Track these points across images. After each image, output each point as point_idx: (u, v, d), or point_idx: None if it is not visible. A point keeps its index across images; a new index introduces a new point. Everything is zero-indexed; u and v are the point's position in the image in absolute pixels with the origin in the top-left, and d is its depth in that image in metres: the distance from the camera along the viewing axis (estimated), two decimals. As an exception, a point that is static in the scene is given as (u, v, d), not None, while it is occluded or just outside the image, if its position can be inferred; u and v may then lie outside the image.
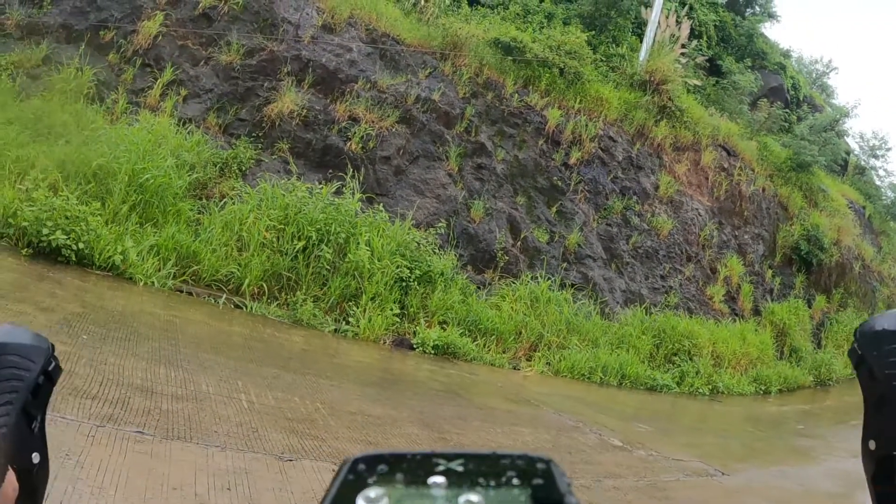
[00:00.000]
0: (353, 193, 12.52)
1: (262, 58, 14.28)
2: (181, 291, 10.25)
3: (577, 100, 17.29)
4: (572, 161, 16.55)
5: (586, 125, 17.00)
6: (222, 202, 11.86)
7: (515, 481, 0.54)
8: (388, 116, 14.45)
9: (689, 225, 18.21)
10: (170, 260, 10.33)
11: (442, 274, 12.59)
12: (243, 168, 12.83)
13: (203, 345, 8.01)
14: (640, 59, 19.88)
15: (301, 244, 11.38)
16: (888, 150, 32.99)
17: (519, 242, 14.88)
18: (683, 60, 20.52)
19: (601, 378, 13.18)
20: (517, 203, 15.42)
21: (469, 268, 13.94)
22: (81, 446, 4.37)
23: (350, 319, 11.23)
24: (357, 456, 0.57)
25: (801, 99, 29.99)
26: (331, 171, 13.35)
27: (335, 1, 15.50)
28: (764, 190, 21.07)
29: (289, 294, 11.20)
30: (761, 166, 21.49)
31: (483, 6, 20.98)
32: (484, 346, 12.39)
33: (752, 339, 16.97)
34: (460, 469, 0.56)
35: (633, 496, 6.81)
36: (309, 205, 11.79)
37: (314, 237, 11.47)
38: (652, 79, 18.87)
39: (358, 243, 11.70)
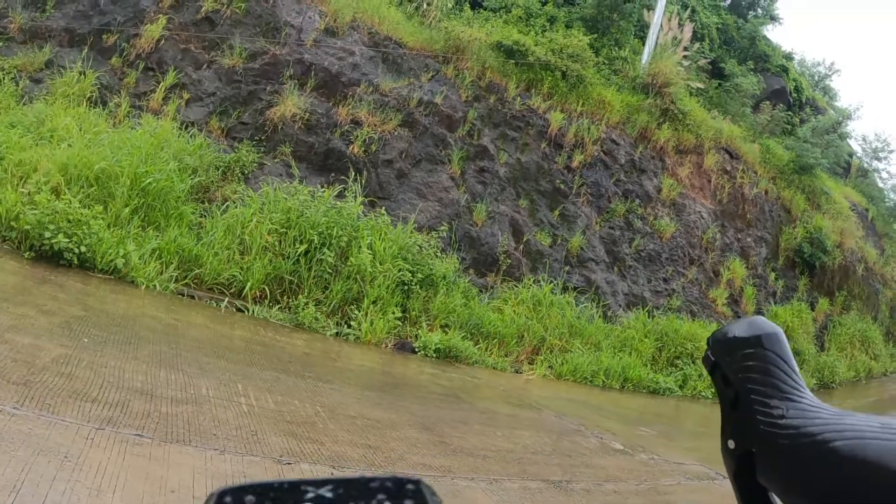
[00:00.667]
0: (356, 197, 12.53)
1: (265, 61, 14.31)
2: (183, 295, 10.26)
3: (580, 103, 17.32)
4: (575, 164, 16.56)
5: (589, 128, 17.02)
6: (225, 206, 11.88)
7: None
8: (391, 120, 14.47)
9: (692, 228, 18.21)
10: (172, 263, 10.34)
11: (444, 277, 12.59)
12: (246, 172, 12.86)
13: (204, 348, 8.02)
14: (643, 61, 19.91)
15: (303, 248, 11.38)
16: (891, 152, 33.03)
17: (521, 246, 14.89)
18: (686, 63, 20.54)
19: (603, 381, 13.17)
20: (520, 206, 15.44)
21: (471, 271, 13.95)
22: (80, 449, 4.38)
23: (352, 323, 11.23)
24: (222, 489, 0.55)
25: (804, 101, 29.99)
26: (333, 174, 13.38)
27: (338, 4, 15.55)
28: (766, 192, 21.06)
29: (291, 298, 11.21)
30: (764, 169, 21.48)
31: (485, 9, 21.04)
32: (486, 349, 12.38)
33: (756, 343, 16.91)
34: (330, 495, 0.55)
35: (633, 500, 6.80)
36: (311, 208, 11.80)
37: (316, 241, 11.47)
38: (654, 82, 18.90)
39: (360, 247, 11.71)
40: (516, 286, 14.07)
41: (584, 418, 10.15)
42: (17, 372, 5.30)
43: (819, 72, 37.38)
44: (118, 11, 14.27)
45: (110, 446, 4.57)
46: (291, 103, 13.68)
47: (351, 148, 13.81)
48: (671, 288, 16.87)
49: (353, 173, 13.25)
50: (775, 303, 19.47)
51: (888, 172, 43.24)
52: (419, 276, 12.23)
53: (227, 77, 14.05)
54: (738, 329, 0.97)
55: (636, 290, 16.21)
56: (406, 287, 12.05)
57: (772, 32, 41.44)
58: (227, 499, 0.54)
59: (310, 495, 0.55)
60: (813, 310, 20.47)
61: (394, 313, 11.56)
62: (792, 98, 28.60)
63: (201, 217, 11.66)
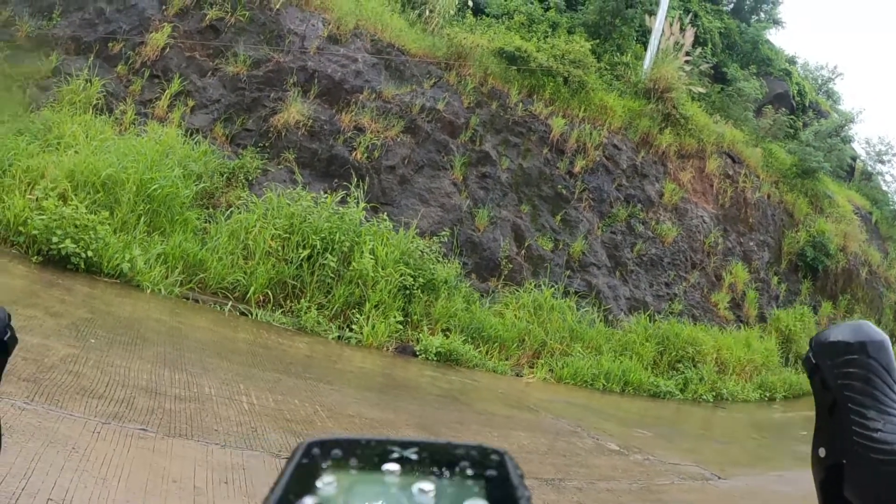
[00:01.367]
0: (358, 202, 12.66)
1: (269, 69, 14.50)
2: (187, 299, 10.43)
3: (582, 108, 17.45)
4: (577, 169, 16.70)
5: (591, 133, 17.15)
6: (229, 211, 12.04)
7: (469, 471, 0.55)
8: (394, 126, 14.63)
9: (694, 232, 18.32)
10: (177, 268, 10.51)
11: (446, 282, 12.71)
12: (250, 178, 13.02)
13: (207, 350, 8.19)
14: (645, 67, 20.02)
15: (306, 253, 11.53)
16: (894, 155, 32.97)
17: (523, 250, 15.02)
18: (688, 68, 20.65)
19: (604, 385, 13.25)
20: (522, 211, 15.57)
21: (473, 276, 14.08)
22: (87, 441, 4.56)
23: (354, 327, 11.36)
24: (312, 440, 0.58)
25: (807, 105, 30.05)
26: (336, 180, 13.53)
27: (341, 12, 15.72)
28: (769, 196, 21.15)
29: (293, 302, 11.36)
30: (766, 173, 21.56)
31: (488, 16, 21.20)
32: (487, 353, 12.48)
33: (757, 346, 17.03)
34: (415, 457, 0.56)
35: (626, 498, 6.93)
36: (314, 214, 11.95)
37: (319, 246, 11.62)
38: (656, 87, 19.01)
39: (362, 252, 11.83)
40: (518, 291, 14.18)
41: (581, 420, 10.27)
42: (27, 370, 5.48)
43: (822, 75, 37.38)
44: (123, 20, 14.46)
45: (116, 439, 4.76)
46: (295, 110, 13.85)
47: (354, 154, 13.97)
48: (673, 292, 16.98)
49: (356, 179, 13.41)
50: (778, 307, 19.54)
51: (892, 175, 43.12)
52: (421, 280, 12.36)
53: (231, 84, 14.23)
54: (843, 333, 0.95)
55: (638, 294, 16.32)
56: (408, 291, 12.18)
57: (774, 36, 41.50)
58: (315, 450, 0.57)
59: (395, 455, 0.56)
60: (816, 314, 20.52)
61: (395, 317, 11.68)
62: (795, 102, 28.64)
63: (206, 223, 11.82)
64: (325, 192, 12.81)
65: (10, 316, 0.98)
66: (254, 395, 6.78)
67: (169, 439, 5.08)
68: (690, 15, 24.07)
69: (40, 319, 6.99)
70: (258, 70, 14.48)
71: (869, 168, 32.72)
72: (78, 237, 9.47)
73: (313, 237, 11.63)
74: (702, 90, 21.45)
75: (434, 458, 0.56)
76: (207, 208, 12.23)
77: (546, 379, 12.74)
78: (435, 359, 11.50)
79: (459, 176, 15.01)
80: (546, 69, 17.12)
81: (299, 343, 10.14)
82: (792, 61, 31.59)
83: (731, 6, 30.79)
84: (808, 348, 0.99)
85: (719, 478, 8.66)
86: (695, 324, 16.34)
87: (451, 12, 18.88)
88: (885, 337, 0.94)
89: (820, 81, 36.77)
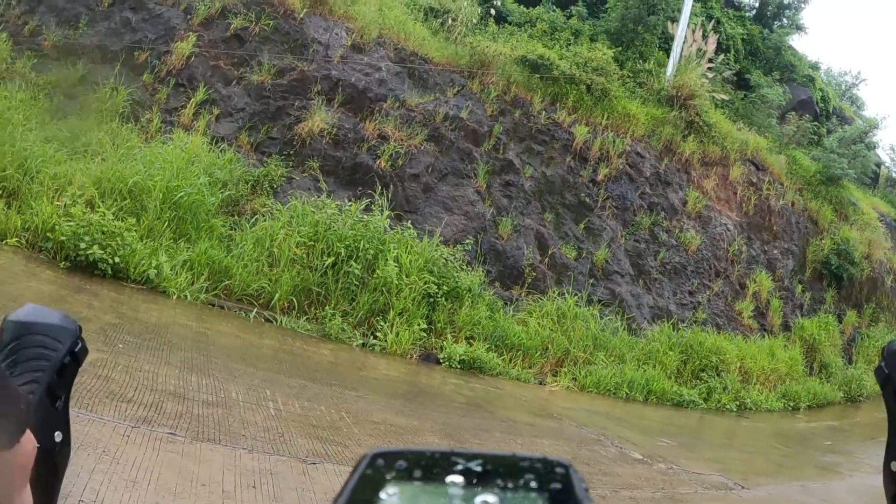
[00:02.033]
0: (382, 210, 12.69)
1: (293, 77, 14.57)
2: (213, 305, 10.50)
3: (605, 116, 17.40)
4: (600, 177, 16.65)
5: (614, 141, 17.09)
6: (254, 219, 12.11)
7: (533, 484, 0.55)
8: (417, 134, 14.66)
9: (718, 240, 18.21)
10: (202, 274, 10.59)
11: (469, 290, 12.71)
12: (274, 186, 13.09)
13: (233, 356, 8.24)
14: (668, 74, 19.95)
15: (330, 260, 11.57)
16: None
17: (546, 259, 14.99)
18: (711, 75, 20.56)
19: (627, 393, 13.19)
20: (545, 219, 15.54)
21: (496, 284, 14.06)
22: (117, 444, 4.60)
23: (378, 334, 11.39)
24: (376, 451, 0.57)
25: (831, 111, 29.82)
26: (360, 188, 13.57)
27: (364, 21, 15.78)
28: (793, 204, 20.98)
29: (318, 309, 11.40)
30: (790, 180, 21.38)
31: (510, 24, 21.22)
32: (510, 361, 12.47)
33: (781, 355, 16.88)
34: (478, 469, 0.56)
35: (650, 506, 6.91)
36: (338, 222, 11.98)
37: (343, 253, 11.66)
38: (679, 94, 18.93)
39: (386, 259, 11.86)
40: (541, 299, 14.14)
41: (605, 429, 10.23)
42: (55, 374, 5.52)
43: (845, 81, 37.12)
44: (149, 29, 14.60)
45: (145, 443, 4.79)
46: (319, 118, 13.90)
47: (378, 162, 14.01)
48: (696, 301, 16.88)
49: (380, 187, 13.45)
50: (802, 315, 19.36)
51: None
52: (445, 288, 12.36)
53: (255, 93, 14.32)
54: None
55: (661, 302, 16.24)
56: (432, 299, 12.19)
57: (797, 42, 41.24)
58: (380, 461, 0.56)
59: (459, 467, 0.56)
60: (840, 322, 20.32)
61: (419, 325, 11.69)
62: (818, 108, 28.40)
63: (231, 230, 11.89)
64: (350, 200, 12.85)
65: (80, 328, 1.02)
66: (280, 400, 6.81)
67: (197, 443, 5.12)
68: (713, 21, 23.94)
69: (69, 325, 7.04)
70: (282, 79, 14.55)
71: (894, 174, 32.42)
72: (105, 243, 9.56)
73: (338, 245, 11.67)
74: (725, 97, 21.33)
75: (498, 471, 0.56)
76: (233, 216, 12.31)
77: (569, 387, 12.69)
78: (458, 366, 11.50)
79: (483, 184, 15.01)
80: (569, 77, 17.10)
81: (324, 350, 10.17)
82: (815, 67, 31.31)
83: (754, 12, 30.61)
84: (879, 358, 0.93)
85: (742, 487, 8.60)
86: (718, 332, 16.22)
87: (474, 21, 18.90)
88: None
89: (843, 87, 36.50)
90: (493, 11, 21.04)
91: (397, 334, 11.35)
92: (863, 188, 26.49)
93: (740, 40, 26.44)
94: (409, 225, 12.96)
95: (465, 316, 12.42)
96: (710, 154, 19.10)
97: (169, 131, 13.07)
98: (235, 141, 13.62)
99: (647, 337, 15.00)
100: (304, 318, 11.11)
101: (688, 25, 20.84)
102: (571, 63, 17.35)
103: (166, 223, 10.95)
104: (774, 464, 11.04)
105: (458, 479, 0.55)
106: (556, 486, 0.54)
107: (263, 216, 12.14)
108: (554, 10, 22.56)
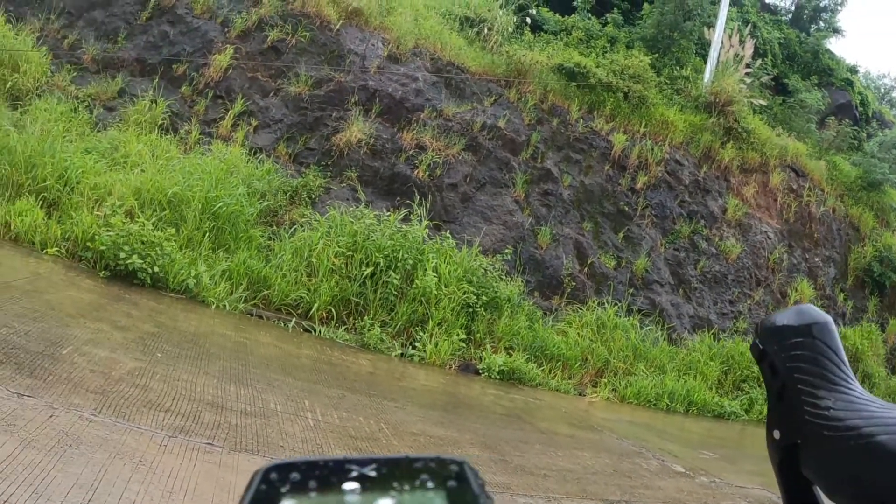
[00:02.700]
0: (421, 220, 12.64)
1: (330, 88, 14.59)
2: (251, 315, 10.49)
3: (643, 124, 17.21)
4: (639, 186, 16.46)
5: (652, 149, 16.89)
6: (292, 229, 12.11)
7: (430, 484, 0.55)
8: (455, 144, 14.60)
9: (758, 248, 17.90)
10: (241, 284, 10.59)
11: (508, 300, 12.60)
12: (313, 196, 13.09)
13: (272, 366, 8.18)
14: (705, 80, 19.69)
15: (369, 270, 11.52)
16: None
17: (586, 268, 14.82)
18: (748, 80, 20.24)
19: (667, 405, 12.97)
20: (584, 229, 15.39)
21: (536, 294, 13.93)
22: (154, 454, 4.54)
23: (416, 344, 11.31)
24: (269, 465, 0.56)
25: (870, 115, 29.27)
26: (398, 198, 13.53)
27: (400, 32, 15.79)
28: (834, 210, 20.57)
29: (356, 319, 11.35)
30: (831, 186, 20.96)
31: (546, 32, 21.09)
32: (549, 371, 12.31)
33: (826, 365, 16.50)
34: (374, 474, 0.56)
35: (697, 519, 6.73)
36: (377, 232, 11.95)
37: (382, 263, 11.61)
38: (717, 100, 18.68)
39: (425, 269, 11.79)
40: (580, 309, 13.99)
41: (645, 441, 10.03)
42: (94, 382, 5.50)
43: (885, 84, 36.53)
44: (187, 42, 14.72)
45: (182, 453, 4.72)
46: (357, 129, 13.90)
47: (416, 172, 13.96)
48: (737, 310, 16.59)
49: (418, 197, 13.39)
50: (844, 324, 18.93)
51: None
52: (484, 298, 12.26)
53: (293, 104, 14.35)
54: (788, 317, 0.95)
55: (701, 312, 15.99)
56: (471, 309, 12.09)
57: (835, 45, 40.67)
58: (273, 474, 0.55)
59: (354, 474, 0.55)
60: (883, 331, 19.81)
61: (458, 335, 11.59)
62: (858, 112, 27.86)
63: (270, 240, 11.91)
64: (388, 210, 12.80)
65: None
66: (319, 411, 6.73)
67: (235, 454, 5.04)
68: (749, 26, 23.55)
69: (107, 333, 7.04)
70: (320, 90, 14.58)
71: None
72: (145, 253, 9.60)
73: (376, 255, 11.62)
74: (763, 103, 20.97)
75: (394, 474, 0.56)
76: (271, 226, 12.33)
77: (609, 398, 12.51)
78: (498, 377, 11.37)
79: (521, 193, 14.90)
80: (606, 85, 16.95)
81: (362, 360, 10.09)
82: (853, 70, 30.74)
83: (790, 16, 30.24)
84: (754, 336, 0.99)
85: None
86: (761, 343, 15.89)
87: (510, 30, 18.81)
88: (829, 318, 0.95)
89: (883, 90, 35.87)
90: (528, 20, 20.92)
91: (436, 344, 11.26)
92: (905, 193, 25.94)
93: (777, 45, 26.08)
94: (448, 235, 12.89)
95: (505, 326, 12.31)
96: (749, 161, 18.81)
97: (207, 142, 13.16)
98: (273, 152, 13.66)
99: (688, 347, 14.78)
100: (343, 328, 11.06)
101: (724, 30, 20.58)
102: (608, 71, 17.21)
103: (205, 233, 10.99)
104: (820, 477, 10.73)
105: (355, 485, 0.54)
106: (453, 483, 0.55)
107: (302, 226, 12.13)
108: (589, 18, 22.39)
